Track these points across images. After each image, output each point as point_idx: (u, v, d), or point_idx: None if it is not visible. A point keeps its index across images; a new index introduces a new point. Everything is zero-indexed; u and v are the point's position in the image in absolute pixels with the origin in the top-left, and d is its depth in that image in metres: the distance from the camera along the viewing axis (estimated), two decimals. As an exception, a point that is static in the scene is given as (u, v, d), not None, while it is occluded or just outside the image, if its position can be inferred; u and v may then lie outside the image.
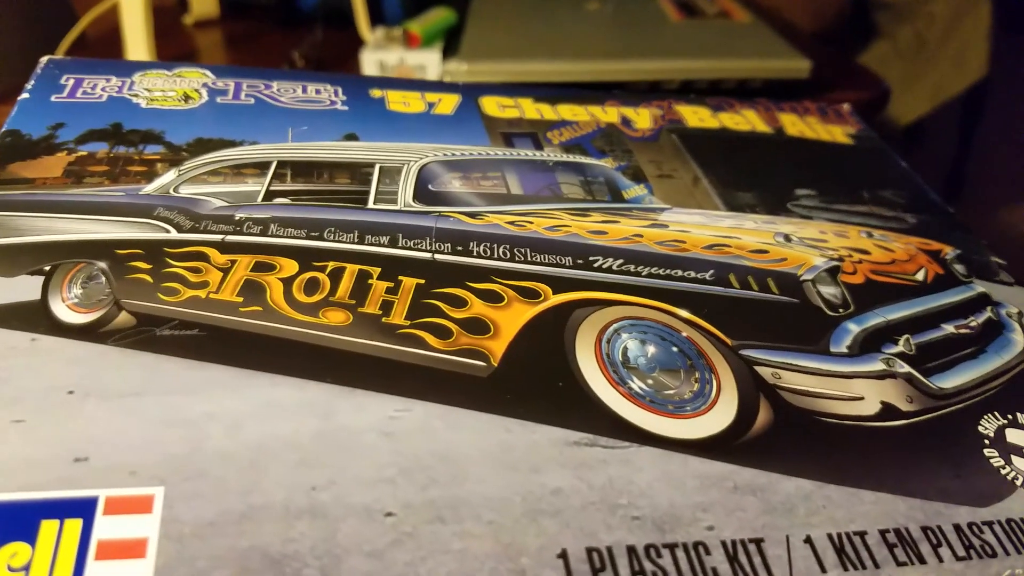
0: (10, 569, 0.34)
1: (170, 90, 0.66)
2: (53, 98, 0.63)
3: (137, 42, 1.10)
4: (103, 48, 1.24)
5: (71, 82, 0.66)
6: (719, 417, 0.45)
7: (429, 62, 1.06)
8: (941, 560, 0.40)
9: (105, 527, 0.36)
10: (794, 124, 0.78)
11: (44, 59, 0.68)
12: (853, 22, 2.33)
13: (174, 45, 1.28)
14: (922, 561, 0.40)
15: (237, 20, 1.43)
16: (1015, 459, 0.46)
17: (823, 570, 0.39)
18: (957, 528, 0.41)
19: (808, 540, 0.40)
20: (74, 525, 0.36)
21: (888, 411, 0.46)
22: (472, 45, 1.05)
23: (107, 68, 0.69)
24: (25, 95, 0.63)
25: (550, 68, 0.99)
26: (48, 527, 0.36)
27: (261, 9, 1.42)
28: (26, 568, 0.34)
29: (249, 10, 1.44)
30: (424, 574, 0.36)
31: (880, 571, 0.39)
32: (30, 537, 0.35)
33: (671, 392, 0.46)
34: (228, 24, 1.43)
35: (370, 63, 1.07)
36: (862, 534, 0.40)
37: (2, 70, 1.29)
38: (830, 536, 0.40)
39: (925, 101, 2.26)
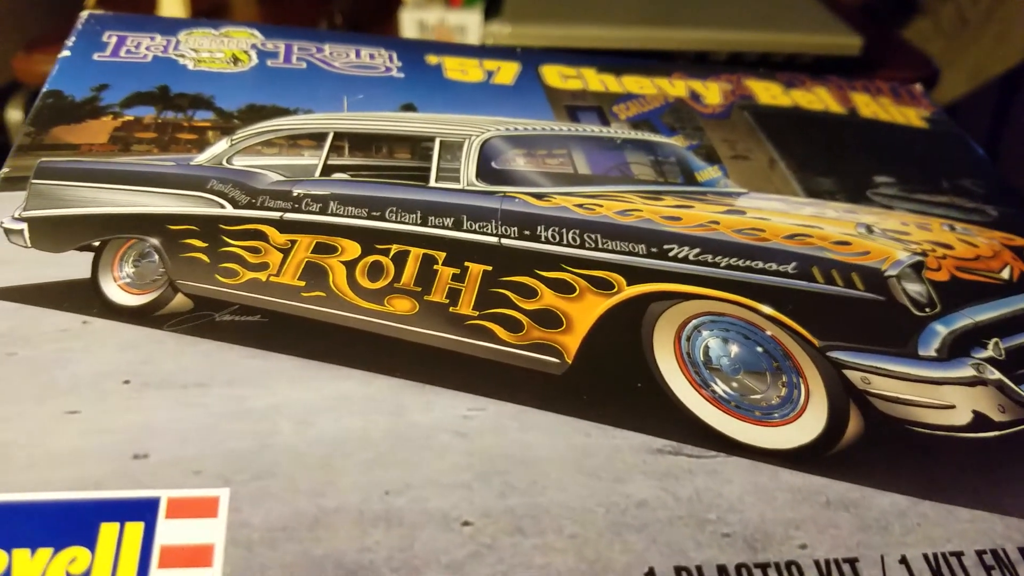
0: (68, 575, 0.33)
1: (218, 51, 0.64)
2: (95, 56, 0.61)
3: None
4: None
5: (113, 40, 0.63)
6: (809, 425, 0.43)
7: (470, 23, 1.04)
8: None
9: (168, 531, 0.35)
10: (867, 105, 0.75)
11: (84, 13, 0.66)
12: (896, -3, 2.29)
13: None
14: (1022, 585, 0.38)
15: None
16: (1114, 474, 0.44)
17: (921, 593, 0.37)
18: (1057, 550, 0.39)
19: (903, 560, 0.38)
20: (135, 529, 0.34)
21: (980, 421, 0.44)
22: (515, 7, 1.03)
23: (151, 25, 0.67)
24: (66, 52, 0.61)
25: (595, 33, 0.96)
26: (108, 530, 0.34)
27: None
28: (86, 575, 0.33)
29: None
30: None
31: (979, 595, 0.37)
32: (89, 541, 0.34)
33: (758, 397, 0.44)
34: None
35: (410, 22, 1.05)
36: (959, 555, 0.39)
37: (33, 19, 1.27)
38: (926, 556, 0.38)
39: (964, 81, 2.22)
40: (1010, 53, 2.17)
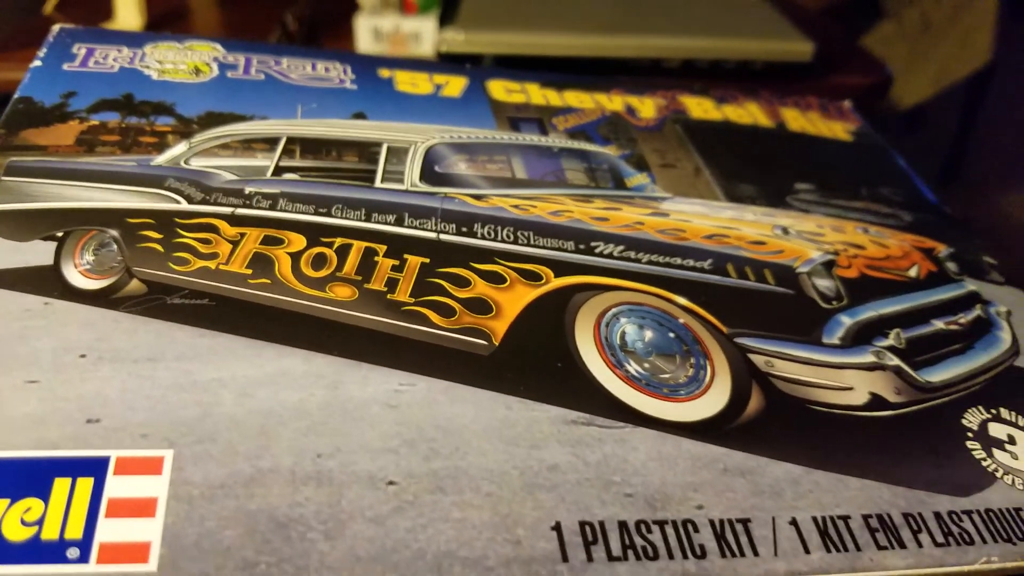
0: (23, 523, 0.36)
1: (181, 63, 0.67)
2: (65, 67, 0.65)
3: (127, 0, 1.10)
4: (93, 4, 1.23)
5: (83, 51, 0.67)
6: (712, 401, 0.47)
7: (425, 30, 1.06)
8: (921, 546, 0.41)
9: (116, 486, 0.37)
10: (796, 119, 0.79)
11: (56, 27, 0.69)
12: (860, 0, 2.33)
13: (164, 3, 1.26)
14: (902, 546, 0.41)
15: None
16: (996, 452, 0.47)
17: (807, 551, 0.40)
18: (937, 516, 0.43)
19: (794, 522, 0.41)
20: (86, 483, 0.37)
21: (876, 402, 0.47)
22: (469, 14, 1.05)
23: (118, 38, 0.70)
24: (37, 63, 0.64)
25: (549, 41, 0.99)
26: (61, 484, 0.37)
27: None
28: (39, 523, 0.36)
29: None
30: (424, 541, 0.37)
31: (862, 554, 0.41)
32: (43, 493, 0.37)
33: (666, 376, 0.48)
34: None
35: (365, 28, 1.07)
36: (846, 518, 0.42)
37: None
38: (815, 519, 0.41)
39: (929, 84, 2.26)
40: (973, 56, 2.21)
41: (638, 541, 0.39)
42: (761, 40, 1.04)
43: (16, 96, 0.60)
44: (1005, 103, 2.98)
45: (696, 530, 0.40)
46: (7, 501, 0.36)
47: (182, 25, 1.22)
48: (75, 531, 0.36)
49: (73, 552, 0.35)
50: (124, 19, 1.11)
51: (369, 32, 1.06)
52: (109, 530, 0.36)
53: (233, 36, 1.18)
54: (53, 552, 0.35)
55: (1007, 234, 2.67)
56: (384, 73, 0.72)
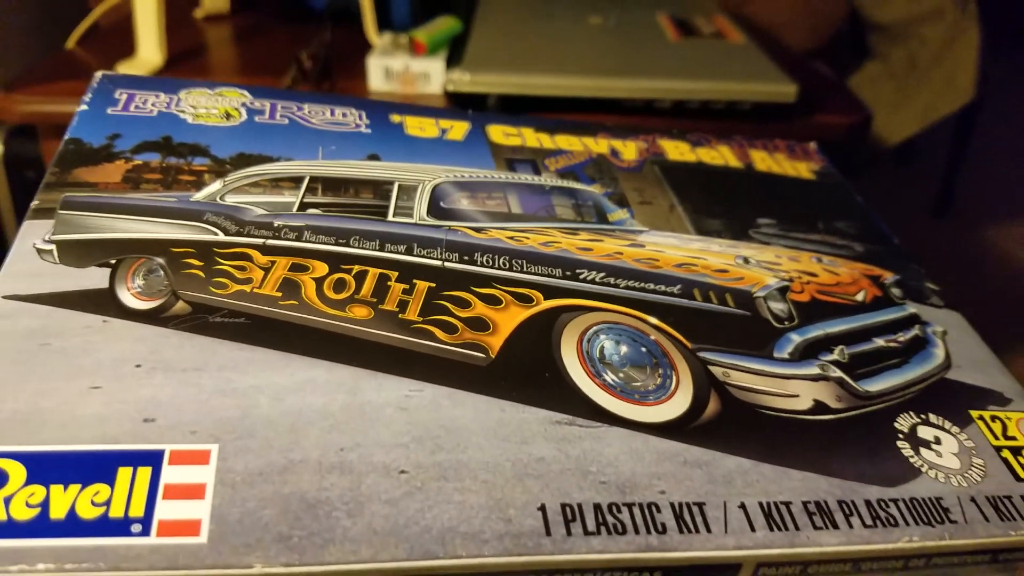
0: (93, 504, 0.41)
1: (212, 108, 0.74)
2: (109, 111, 0.71)
3: (149, 36, 1.14)
4: (114, 39, 1.26)
5: (124, 96, 0.74)
6: (676, 405, 0.53)
7: (433, 70, 1.11)
8: (851, 527, 0.48)
9: (171, 474, 0.43)
10: (763, 160, 0.86)
11: (98, 74, 0.76)
12: (848, 41, 2.39)
13: (185, 38, 1.31)
14: (836, 527, 0.48)
15: (247, 15, 1.46)
16: (923, 451, 0.54)
17: (753, 530, 0.47)
18: (868, 503, 0.49)
19: (742, 506, 0.48)
20: (145, 472, 0.43)
21: (819, 407, 0.54)
22: (475, 56, 1.11)
23: (155, 84, 0.77)
24: (84, 107, 0.71)
25: (549, 82, 1.05)
26: (124, 472, 0.43)
27: (272, 5, 1.45)
28: (107, 504, 0.41)
29: (260, 5, 1.47)
30: (430, 519, 0.44)
31: (800, 533, 0.47)
32: (110, 480, 0.42)
33: (638, 384, 0.55)
34: (238, 19, 1.46)
35: (376, 68, 1.12)
36: (787, 504, 0.48)
37: (13, 58, 1.34)
38: (761, 504, 0.48)
39: (915, 121, 2.31)
40: (958, 95, 2.27)
41: (610, 519, 0.45)
42: (748, 83, 1.10)
43: (67, 137, 0.67)
44: (992, 139, 3.05)
45: (659, 511, 0.46)
46: (79, 486, 0.42)
47: (200, 63, 1.26)
48: (137, 510, 0.41)
49: (136, 527, 0.41)
50: (145, 55, 1.16)
51: (380, 71, 1.12)
52: (166, 509, 0.42)
53: (249, 73, 1.24)
54: (120, 527, 0.41)
55: (998, 264, 2.73)
56: (395, 118, 0.79)
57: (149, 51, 1.16)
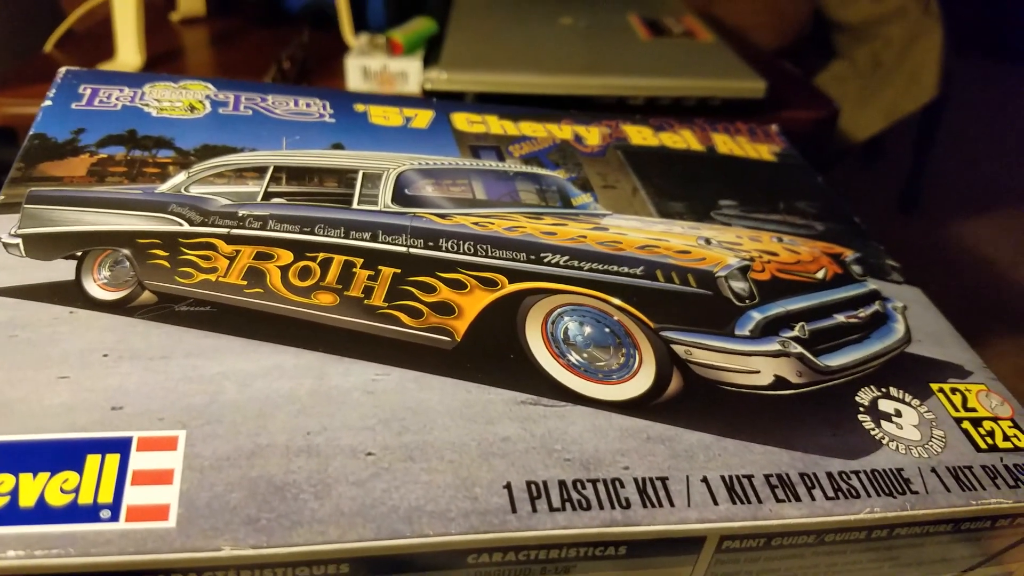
0: (62, 491, 0.42)
1: (177, 100, 0.75)
2: (73, 106, 0.71)
3: (128, 39, 1.14)
4: (90, 42, 1.26)
5: (88, 91, 0.74)
6: (639, 384, 0.54)
7: (411, 70, 1.12)
8: (814, 499, 0.49)
9: (139, 460, 0.44)
10: (725, 143, 0.87)
11: (62, 70, 0.77)
12: (814, 41, 2.43)
13: (161, 42, 1.30)
14: (798, 499, 0.49)
15: (224, 18, 1.46)
16: (884, 423, 0.55)
17: (715, 503, 0.48)
18: (829, 475, 0.50)
19: (705, 480, 0.49)
20: (113, 459, 0.44)
21: (780, 382, 0.55)
22: (451, 55, 1.12)
23: (119, 79, 0.77)
24: (48, 102, 0.71)
25: (524, 80, 1.07)
26: (92, 460, 0.43)
27: (248, 8, 1.45)
28: (76, 491, 0.42)
29: (236, 8, 1.47)
30: (397, 499, 0.44)
31: (763, 505, 0.48)
32: (78, 467, 0.43)
33: (601, 363, 0.55)
34: (215, 22, 1.45)
35: (354, 68, 1.13)
36: (749, 477, 0.49)
37: None
38: (723, 477, 0.49)
39: (880, 118, 2.35)
40: (921, 92, 2.31)
41: (574, 496, 0.46)
42: (718, 79, 1.12)
43: (31, 132, 0.67)
44: (957, 136, 3.09)
45: (623, 486, 0.47)
46: (48, 474, 0.42)
47: (180, 65, 1.26)
48: (106, 497, 0.42)
49: (105, 513, 0.41)
50: (124, 58, 1.16)
51: (359, 72, 1.13)
52: (135, 495, 0.42)
53: (229, 76, 1.24)
54: (89, 513, 0.41)
55: (963, 257, 2.78)
56: (359, 108, 0.80)
57: (128, 53, 1.16)
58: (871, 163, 3.18)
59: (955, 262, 2.73)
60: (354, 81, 1.15)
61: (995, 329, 2.35)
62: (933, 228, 2.93)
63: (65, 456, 0.44)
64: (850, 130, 2.29)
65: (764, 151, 0.88)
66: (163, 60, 1.25)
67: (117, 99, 0.73)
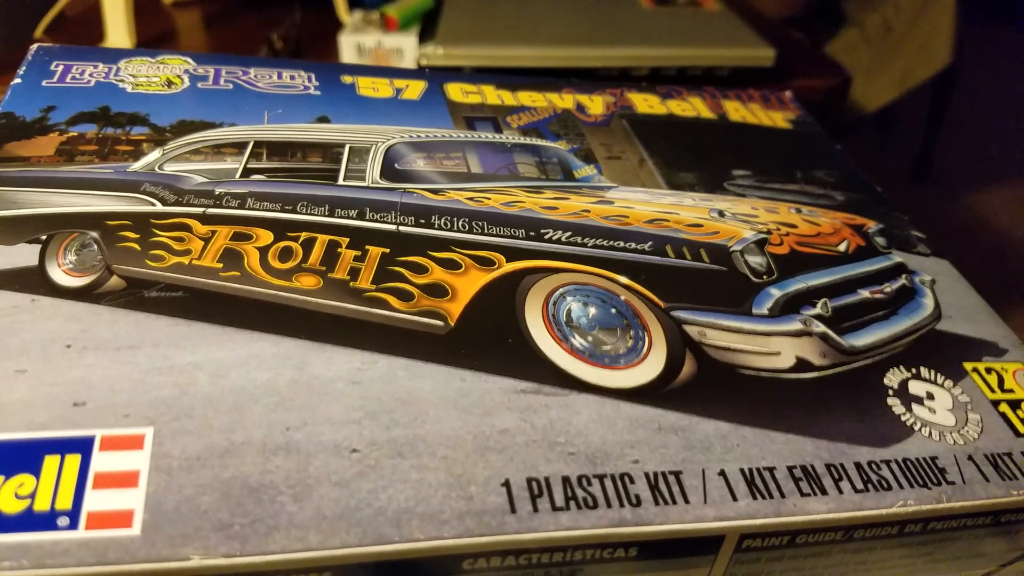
0: (17, 497, 0.38)
1: (154, 76, 0.71)
2: (44, 83, 0.68)
3: (117, 22, 1.13)
4: (81, 28, 1.25)
5: (60, 68, 0.70)
6: (649, 369, 0.50)
7: (406, 45, 1.10)
8: (841, 492, 0.45)
9: (101, 461, 0.40)
10: (737, 110, 0.83)
11: (34, 47, 0.73)
12: (822, 8, 2.38)
13: (153, 25, 1.29)
14: (824, 492, 0.45)
15: (215, 0, 1.45)
16: (915, 407, 0.51)
17: (735, 499, 0.44)
18: (858, 466, 0.47)
19: (722, 473, 0.45)
20: (73, 460, 0.40)
21: (802, 364, 0.51)
22: (447, 29, 1.09)
23: (94, 55, 0.73)
24: (17, 80, 0.68)
25: (523, 53, 1.04)
26: (51, 461, 0.40)
27: None
28: (31, 496, 0.38)
29: None
30: (385, 500, 0.41)
31: (786, 500, 0.44)
32: (35, 470, 0.40)
33: (608, 347, 0.51)
34: (206, 4, 1.44)
35: (348, 46, 1.10)
36: (771, 469, 0.46)
37: None
38: (742, 470, 0.45)
39: (892, 87, 2.31)
40: (935, 59, 2.26)
41: (579, 493, 0.43)
42: (725, 48, 1.09)
43: (-2, 112, 0.64)
44: (970, 105, 3.04)
45: (632, 482, 0.44)
46: (1, 478, 0.39)
47: (171, 47, 1.25)
48: (64, 502, 0.39)
49: (63, 520, 0.38)
50: (114, 41, 1.14)
51: (353, 48, 1.10)
52: (96, 500, 0.39)
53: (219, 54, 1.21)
54: (45, 521, 0.38)
55: (978, 227, 2.73)
56: (347, 79, 0.76)
57: (118, 37, 1.15)
58: (884, 133, 3.13)
59: (970, 233, 2.69)
60: (348, 58, 1.13)
61: (1017, 302, 2.30)
62: (946, 199, 2.88)
63: (21, 458, 0.40)
64: (862, 100, 2.24)
65: (779, 118, 0.84)
66: (154, 43, 1.23)
67: (91, 76, 0.70)
